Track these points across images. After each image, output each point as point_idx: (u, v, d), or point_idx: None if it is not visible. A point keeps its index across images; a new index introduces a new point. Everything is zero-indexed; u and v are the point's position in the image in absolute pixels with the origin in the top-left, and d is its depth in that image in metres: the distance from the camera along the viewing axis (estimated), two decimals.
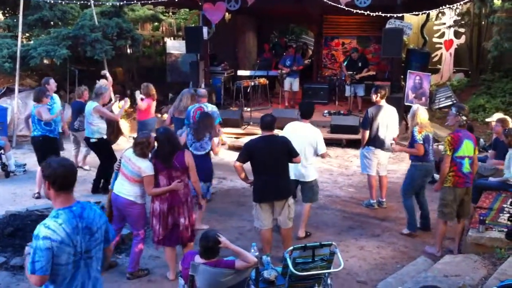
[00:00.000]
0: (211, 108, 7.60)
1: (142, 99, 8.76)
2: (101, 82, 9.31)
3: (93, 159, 8.85)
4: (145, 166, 5.22)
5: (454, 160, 5.71)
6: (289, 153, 5.64)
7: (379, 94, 7.29)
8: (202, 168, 6.16)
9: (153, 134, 5.68)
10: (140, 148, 5.25)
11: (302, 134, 6.22)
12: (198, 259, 4.20)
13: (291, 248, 4.40)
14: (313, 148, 6.30)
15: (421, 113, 6.42)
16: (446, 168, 5.73)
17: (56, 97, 8.46)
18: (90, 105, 7.90)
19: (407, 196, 6.60)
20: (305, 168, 6.30)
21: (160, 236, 5.31)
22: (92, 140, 7.94)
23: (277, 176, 5.58)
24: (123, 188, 5.34)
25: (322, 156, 6.55)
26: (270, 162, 5.55)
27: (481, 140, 9.74)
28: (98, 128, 7.88)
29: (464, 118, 5.80)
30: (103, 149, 8.05)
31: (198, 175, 5.61)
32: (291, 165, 5.89)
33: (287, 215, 5.72)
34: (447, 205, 5.84)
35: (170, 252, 5.43)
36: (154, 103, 9.07)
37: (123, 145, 10.59)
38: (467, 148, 5.75)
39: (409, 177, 6.61)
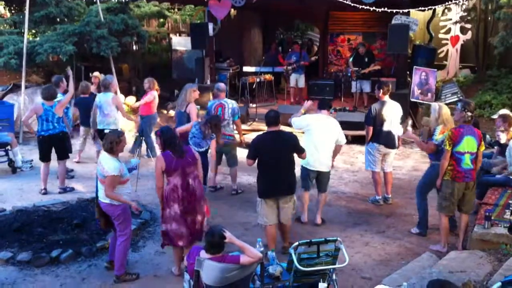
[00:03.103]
0: (231, 104, 7.69)
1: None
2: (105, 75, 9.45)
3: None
4: (109, 166, 5.10)
5: (453, 155, 5.73)
6: (295, 149, 5.66)
7: (381, 90, 7.30)
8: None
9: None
10: (109, 143, 5.18)
11: (326, 124, 6.52)
12: (203, 254, 4.22)
13: (296, 243, 4.42)
14: (335, 138, 6.57)
15: (445, 112, 6.18)
16: (445, 163, 5.77)
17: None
18: (106, 96, 7.90)
19: (422, 196, 6.46)
20: (329, 158, 6.58)
21: (187, 238, 5.21)
22: (107, 131, 7.84)
23: (282, 172, 5.61)
24: (100, 192, 5.27)
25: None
26: (275, 158, 5.57)
27: (487, 136, 9.68)
28: (114, 119, 7.88)
29: (469, 114, 5.77)
30: None
31: None
32: (319, 156, 6.24)
33: (290, 211, 5.77)
34: (445, 198, 5.87)
35: (177, 249, 5.42)
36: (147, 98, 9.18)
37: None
38: (468, 144, 5.72)
39: (427, 177, 6.44)
